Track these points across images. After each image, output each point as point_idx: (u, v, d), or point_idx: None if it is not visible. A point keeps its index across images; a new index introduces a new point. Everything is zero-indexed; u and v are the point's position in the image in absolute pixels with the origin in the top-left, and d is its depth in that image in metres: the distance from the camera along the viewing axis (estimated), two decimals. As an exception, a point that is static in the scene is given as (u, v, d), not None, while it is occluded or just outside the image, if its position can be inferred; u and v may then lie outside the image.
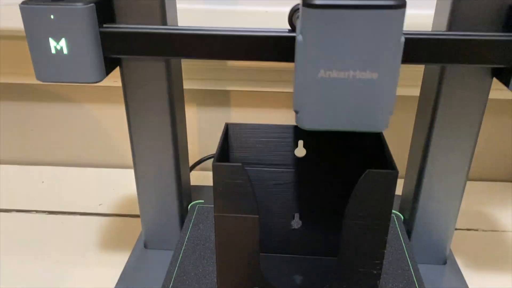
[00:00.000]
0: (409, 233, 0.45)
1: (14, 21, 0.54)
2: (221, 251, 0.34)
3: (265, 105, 0.64)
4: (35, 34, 0.33)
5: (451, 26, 0.36)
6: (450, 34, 0.34)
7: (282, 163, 0.40)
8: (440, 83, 0.38)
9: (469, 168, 0.42)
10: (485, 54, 0.34)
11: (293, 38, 0.29)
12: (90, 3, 0.33)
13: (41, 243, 0.53)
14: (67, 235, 0.54)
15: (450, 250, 0.47)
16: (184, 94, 0.46)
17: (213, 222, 0.46)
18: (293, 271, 0.41)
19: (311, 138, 0.39)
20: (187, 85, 0.46)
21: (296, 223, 0.42)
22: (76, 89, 0.65)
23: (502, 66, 0.34)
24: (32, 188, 0.64)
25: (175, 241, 0.45)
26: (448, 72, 0.38)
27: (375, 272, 0.33)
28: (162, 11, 0.37)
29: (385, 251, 0.32)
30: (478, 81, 0.38)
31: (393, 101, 0.27)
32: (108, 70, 0.37)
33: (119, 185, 0.64)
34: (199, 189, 0.53)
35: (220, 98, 0.64)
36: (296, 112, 0.27)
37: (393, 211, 0.46)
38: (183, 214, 0.47)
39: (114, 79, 0.40)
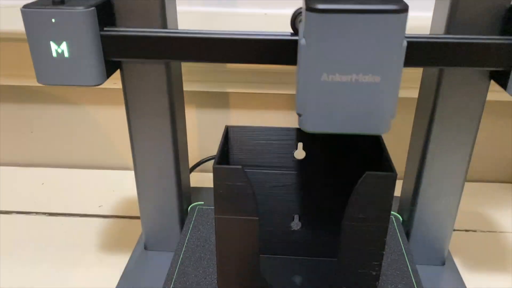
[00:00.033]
0: (407, 234, 0.46)
1: (14, 24, 0.55)
2: (221, 252, 0.34)
3: (264, 107, 0.64)
4: (36, 37, 0.34)
5: (449, 29, 0.36)
6: (448, 37, 0.34)
7: (282, 165, 0.40)
8: (438, 85, 0.39)
9: (467, 169, 0.42)
10: (483, 57, 0.34)
11: (296, 41, 0.30)
12: (91, 6, 0.33)
13: (41, 245, 0.53)
14: (67, 237, 0.54)
15: (449, 251, 0.48)
16: (184, 96, 0.46)
17: (213, 223, 0.46)
18: (293, 272, 0.41)
19: (311, 140, 0.39)
20: (186, 87, 0.47)
21: (296, 224, 0.42)
22: (75, 91, 0.65)
23: (499, 69, 0.35)
24: (32, 190, 0.64)
25: (175, 242, 0.45)
26: (446, 74, 0.38)
27: (374, 273, 0.33)
28: (162, 14, 0.37)
29: (384, 252, 0.32)
30: (476, 84, 0.38)
31: (395, 104, 0.27)
32: (109, 72, 0.37)
33: (119, 186, 0.64)
34: (199, 191, 0.53)
35: (220, 100, 0.64)
36: (299, 115, 0.28)
37: (391, 212, 0.46)
38: (183, 215, 0.47)
39: (114, 81, 0.40)
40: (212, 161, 0.60)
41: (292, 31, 0.33)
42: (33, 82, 0.60)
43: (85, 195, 0.62)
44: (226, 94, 0.63)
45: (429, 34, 0.40)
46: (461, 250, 0.52)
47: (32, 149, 0.70)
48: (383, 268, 0.40)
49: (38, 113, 0.67)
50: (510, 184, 0.66)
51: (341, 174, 0.40)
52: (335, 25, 0.25)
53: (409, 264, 0.41)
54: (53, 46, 0.34)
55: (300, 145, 0.40)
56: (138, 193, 0.46)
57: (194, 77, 0.59)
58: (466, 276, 0.47)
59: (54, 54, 0.34)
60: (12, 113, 0.68)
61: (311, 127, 0.27)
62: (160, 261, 0.46)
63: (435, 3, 0.39)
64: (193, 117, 0.65)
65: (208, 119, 0.66)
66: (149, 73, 0.39)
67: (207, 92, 0.63)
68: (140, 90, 0.40)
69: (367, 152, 0.38)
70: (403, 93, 0.46)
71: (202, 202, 0.50)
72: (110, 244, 0.53)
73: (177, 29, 0.42)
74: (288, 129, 0.39)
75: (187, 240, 0.44)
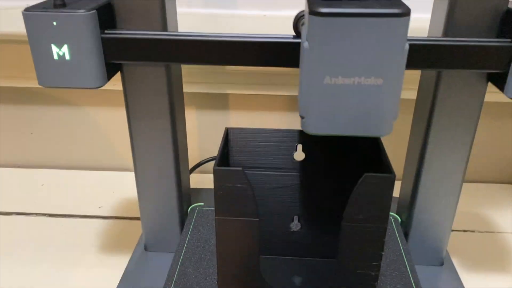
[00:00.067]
0: (406, 235, 0.46)
1: (14, 25, 0.55)
2: (221, 253, 0.34)
3: (263, 108, 0.64)
4: (38, 40, 0.34)
5: (447, 31, 0.36)
6: (446, 40, 0.35)
7: (282, 166, 0.40)
8: (436, 87, 0.39)
9: (465, 170, 0.42)
10: (481, 60, 0.34)
11: (298, 44, 0.30)
12: (92, 9, 0.34)
13: (42, 246, 0.53)
14: (67, 238, 0.54)
15: (447, 252, 0.48)
16: (184, 97, 0.46)
17: (213, 224, 0.47)
18: (293, 272, 0.42)
19: (310, 142, 0.40)
20: (186, 88, 0.47)
21: (295, 225, 0.42)
22: (75, 92, 0.65)
23: (496, 71, 0.35)
24: (32, 191, 0.64)
25: (175, 243, 0.45)
26: (444, 76, 0.38)
27: (373, 273, 0.33)
28: (162, 16, 0.37)
29: (383, 253, 0.33)
30: (474, 86, 0.38)
31: (397, 106, 0.27)
32: (110, 75, 0.37)
33: (119, 188, 0.64)
34: (199, 192, 0.54)
35: (219, 101, 0.64)
36: (302, 117, 0.28)
37: (390, 213, 0.46)
38: (183, 216, 0.47)
39: (114, 82, 0.40)
40: (212, 162, 0.60)
41: (294, 33, 0.33)
42: (33, 84, 0.61)
43: (85, 196, 0.63)
44: (225, 96, 0.64)
45: (427, 37, 0.40)
46: (459, 251, 0.52)
47: (32, 150, 0.70)
48: (382, 268, 0.40)
49: (38, 114, 0.67)
50: (508, 185, 0.67)
51: (340, 176, 0.40)
52: (338, 29, 0.25)
53: (408, 264, 0.42)
54: (55, 48, 0.34)
55: (299, 146, 0.40)
56: (139, 194, 0.46)
57: (194, 78, 0.60)
58: (464, 276, 0.47)
59: (55, 57, 0.34)
60: (12, 114, 0.68)
61: (314, 129, 0.28)
62: (160, 262, 0.46)
63: (433, 5, 0.40)
64: (193, 119, 0.65)
65: (207, 121, 0.66)
66: (149, 75, 0.40)
67: (207, 94, 0.63)
68: (141, 92, 0.41)
69: (366, 153, 0.39)
70: (401, 95, 0.46)
71: (202, 203, 0.50)
72: (110, 245, 0.53)
73: (177, 31, 0.42)
74: (287, 131, 0.40)
75: (187, 241, 0.44)
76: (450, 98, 0.39)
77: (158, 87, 0.40)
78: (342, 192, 0.39)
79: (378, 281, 0.34)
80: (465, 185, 0.43)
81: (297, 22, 0.32)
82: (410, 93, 0.46)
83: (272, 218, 0.42)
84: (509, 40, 0.34)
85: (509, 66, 0.34)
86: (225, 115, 0.65)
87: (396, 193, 0.43)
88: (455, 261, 0.48)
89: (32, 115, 0.68)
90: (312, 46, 0.25)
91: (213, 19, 0.57)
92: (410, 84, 0.46)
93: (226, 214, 0.32)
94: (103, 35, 0.35)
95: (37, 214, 0.59)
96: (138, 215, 0.47)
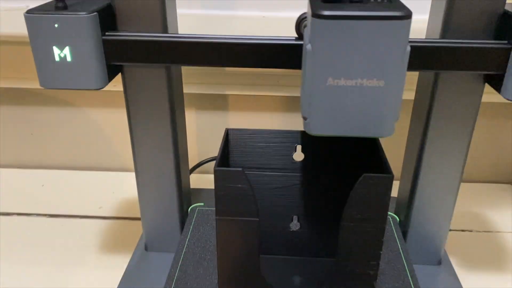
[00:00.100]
0: (404, 234, 0.46)
1: (15, 26, 0.55)
2: (222, 253, 0.34)
3: (263, 109, 0.65)
4: (39, 42, 0.34)
5: (444, 33, 0.37)
6: (443, 41, 0.35)
7: (281, 167, 0.41)
8: (434, 88, 0.39)
9: (463, 170, 0.43)
10: (478, 61, 0.35)
11: (300, 46, 0.30)
12: (93, 11, 0.34)
13: (42, 246, 0.53)
14: (68, 238, 0.55)
15: (445, 251, 0.48)
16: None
17: (213, 224, 0.47)
18: (292, 272, 0.42)
19: (309, 143, 0.40)
20: (185, 89, 0.47)
21: (295, 225, 0.43)
22: (75, 93, 0.66)
23: (493, 72, 0.35)
24: (33, 192, 0.64)
25: (176, 243, 0.45)
26: (441, 77, 0.39)
27: (371, 272, 0.34)
28: (163, 18, 0.37)
29: (381, 252, 0.33)
30: (471, 87, 0.39)
31: (399, 107, 0.27)
32: (111, 76, 0.37)
33: (119, 188, 0.65)
34: (199, 192, 0.54)
35: (219, 102, 0.64)
36: (304, 118, 0.28)
37: (389, 213, 0.46)
38: (183, 216, 0.48)
39: (114, 83, 0.40)
40: (211, 162, 0.61)
41: (296, 35, 0.34)
42: (33, 85, 0.61)
43: (85, 197, 0.63)
44: (225, 96, 0.64)
45: (425, 39, 0.40)
46: (457, 250, 0.52)
47: (32, 151, 0.70)
48: (381, 267, 0.41)
49: (38, 115, 0.68)
50: (506, 185, 0.67)
51: (339, 176, 0.40)
52: (340, 31, 0.25)
53: (406, 263, 0.42)
54: (56, 50, 0.34)
55: (299, 147, 0.40)
56: (139, 194, 0.46)
57: (193, 79, 0.60)
58: (462, 275, 0.47)
59: (57, 59, 0.35)
60: (12, 115, 0.68)
61: (317, 130, 0.28)
62: (160, 261, 0.46)
63: (431, 7, 0.40)
64: (192, 119, 0.66)
65: (207, 121, 0.66)
66: (150, 76, 0.40)
67: (206, 95, 0.63)
68: (141, 93, 0.41)
69: (365, 154, 0.39)
70: (399, 96, 0.47)
71: (202, 203, 0.51)
72: (110, 245, 0.54)
73: (178, 33, 0.43)
74: (287, 132, 0.40)
75: (188, 240, 0.45)
76: (447, 99, 0.39)
77: (158, 88, 0.41)
78: (341, 192, 0.39)
79: (377, 280, 0.34)
80: (462, 185, 0.44)
81: (299, 24, 0.32)
82: (408, 93, 0.46)
83: (272, 218, 0.42)
84: (506, 42, 0.34)
85: (506, 67, 0.34)
86: (224, 116, 0.65)
87: (394, 193, 0.43)
88: (453, 261, 0.49)
89: (32, 115, 0.68)
90: (315, 48, 0.26)
91: (211, 20, 0.57)
92: (408, 84, 0.46)
93: (226, 214, 0.33)
94: (104, 37, 0.35)
95: (37, 214, 0.59)
96: (138, 215, 0.48)
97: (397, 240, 0.45)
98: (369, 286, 0.34)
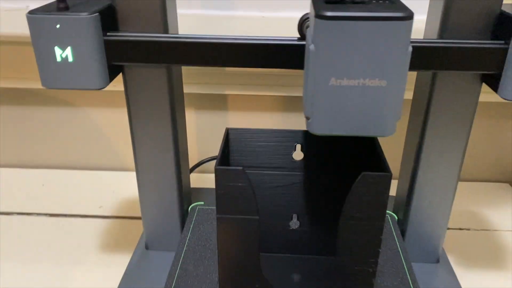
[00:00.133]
0: (403, 232, 0.47)
1: (14, 27, 0.55)
2: (222, 251, 0.35)
3: (262, 108, 0.65)
4: (41, 42, 0.34)
5: (442, 34, 0.37)
6: (441, 41, 0.35)
7: (281, 166, 0.41)
8: (432, 87, 0.40)
9: (460, 169, 0.43)
10: (475, 61, 0.35)
11: (303, 46, 0.30)
12: (95, 12, 0.34)
13: (43, 246, 0.53)
14: (68, 238, 0.55)
15: (443, 249, 0.49)
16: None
17: (213, 223, 0.47)
18: (292, 270, 0.42)
19: (308, 142, 0.41)
20: (185, 89, 0.47)
21: (294, 223, 0.43)
22: (75, 93, 0.66)
23: (490, 72, 0.36)
24: (33, 191, 0.64)
25: (176, 242, 0.46)
26: (439, 77, 0.39)
27: (370, 270, 0.34)
28: (163, 18, 0.38)
29: (380, 250, 0.33)
30: (468, 86, 0.39)
31: (401, 107, 0.28)
32: (112, 76, 0.38)
33: (119, 187, 0.65)
34: (199, 191, 0.54)
35: (218, 102, 0.65)
36: (307, 118, 0.28)
37: (387, 211, 0.47)
38: (183, 215, 0.48)
39: (113, 83, 0.41)
40: (211, 162, 0.61)
41: (296, 34, 0.34)
42: (33, 85, 0.61)
43: (85, 196, 0.63)
44: (224, 96, 0.64)
45: (423, 39, 0.41)
46: (455, 248, 0.53)
47: (32, 150, 0.71)
48: (379, 265, 0.41)
49: (38, 115, 0.68)
50: (503, 184, 0.67)
51: (338, 174, 0.41)
52: (343, 32, 0.25)
53: (405, 261, 0.42)
54: (58, 51, 0.35)
55: (298, 146, 0.41)
56: (140, 194, 0.46)
57: (193, 79, 0.60)
58: (460, 273, 0.48)
59: (59, 59, 0.35)
60: (12, 115, 0.68)
61: (319, 130, 0.28)
62: (161, 260, 0.47)
63: (429, 7, 0.40)
64: (192, 119, 0.66)
65: (206, 121, 0.66)
66: (150, 76, 0.40)
67: (206, 94, 0.64)
68: (142, 93, 0.41)
69: (363, 153, 0.39)
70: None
71: (202, 202, 0.51)
72: (111, 244, 0.54)
73: (178, 33, 0.43)
74: (286, 131, 0.40)
75: (188, 239, 0.45)
76: (445, 98, 0.40)
77: (159, 88, 0.41)
78: (340, 191, 0.40)
79: (376, 277, 0.34)
80: (460, 183, 0.44)
81: (302, 24, 0.33)
82: (406, 93, 0.47)
83: (272, 217, 0.43)
84: (503, 42, 0.35)
85: (503, 67, 0.35)
86: (224, 116, 0.66)
87: (393, 192, 0.44)
88: (451, 259, 0.49)
89: (32, 115, 0.68)
90: (318, 48, 0.26)
91: (210, 20, 0.58)
92: (406, 84, 0.47)
93: (227, 212, 0.33)
94: (106, 38, 0.35)
95: (37, 214, 0.59)
96: (139, 215, 0.48)
97: (396, 239, 0.45)
98: (368, 283, 0.34)
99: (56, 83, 0.36)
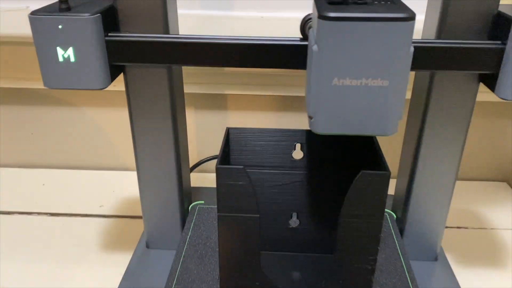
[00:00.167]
0: (401, 231, 0.47)
1: (15, 27, 0.55)
2: (223, 249, 0.35)
3: (262, 108, 0.65)
4: (43, 43, 0.35)
5: (440, 34, 0.37)
6: (439, 42, 0.36)
7: (281, 165, 0.42)
8: (430, 87, 0.40)
9: (458, 168, 0.43)
10: (472, 61, 0.35)
11: (305, 46, 0.31)
12: (97, 13, 0.34)
13: (43, 245, 0.54)
14: (69, 237, 0.55)
15: (441, 247, 0.49)
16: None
17: (214, 222, 0.47)
18: (292, 267, 0.43)
19: (308, 141, 0.41)
20: (185, 89, 0.48)
21: (294, 222, 0.43)
22: (75, 93, 0.66)
23: (488, 72, 0.36)
24: (34, 191, 0.64)
25: (177, 240, 0.46)
26: (437, 77, 0.39)
27: (369, 267, 0.34)
28: (164, 19, 0.38)
29: (379, 248, 0.34)
30: (466, 86, 0.39)
31: (402, 106, 0.28)
32: (113, 76, 0.38)
33: (119, 187, 0.65)
34: (199, 190, 0.54)
35: (218, 102, 0.65)
36: (310, 117, 0.29)
37: (386, 210, 0.47)
38: (184, 214, 0.48)
39: (114, 83, 0.41)
40: (211, 161, 0.61)
41: (298, 36, 0.34)
42: (33, 85, 0.61)
43: (85, 196, 0.63)
44: (224, 96, 0.65)
45: (421, 39, 0.41)
46: (453, 246, 0.53)
47: (33, 150, 0.71)
48: (378, 263, 0.42)
49: (38, 114, 0.68)
50: (501, 183, 0.68)
51: (337, 173, 0.41)
52: (346, 32, 0.26)
53: (403, 259, 0.43)
54: (60, 51, 0.35)
55: (298, 146, 0.41)
56: (141, 193, 0.47)
57: (193, 79, 0.60)
58: (458, 271, 0.48)
59: (61, 59, 0.35)
60: (13, 115, 0.68)
61: (322, 129, 0.28)
62: (162, 259, 0.47)
63: (427, 7, 0.41)
64: (192, 119, 0.66)
65: (206, 121, 0.67)
66: (151, 76, 0.41)
67: (206, 94, 0.64)
68: (143, 93, 0.41)
69: (362, 152, 0.40)
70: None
71: (203, 201, 0.51)
72: (111, 243, 0.54)
73: (179, 34, 0.43)
74: (286, 131, 0.41)
75: (189, 238, 0.45)
76: (443, 98, 0.40)
77: (160, 88, 0.41)
78: (339, 189, 0.40)
79: (374, 275, 0.35)
80: (458, 182, 0.45)
81: (304, 25, 0.33)
82: (405, 93, 0.47)
83: (272, 215, 0.43)
84: (500, 42, 0.35)
85: (500, 67, 0.35)
86: (224, 115, 0.66)
87: (391, 190, 0.44)
88: (449, 257, 0.49)
89: (32, 115, 0.68)
90: (321, 49, 0.26)
91: (209, 20, 0.58)
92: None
93: (228, 211, 0.33)
94: (107, 38, 0.36)
95: (38, 213, 0.59)
96: (139, 214, 0.48)
97: (394, 237, 0.46)
98: (367, 280, 0.35)
99: (58, 83, 0.36)
